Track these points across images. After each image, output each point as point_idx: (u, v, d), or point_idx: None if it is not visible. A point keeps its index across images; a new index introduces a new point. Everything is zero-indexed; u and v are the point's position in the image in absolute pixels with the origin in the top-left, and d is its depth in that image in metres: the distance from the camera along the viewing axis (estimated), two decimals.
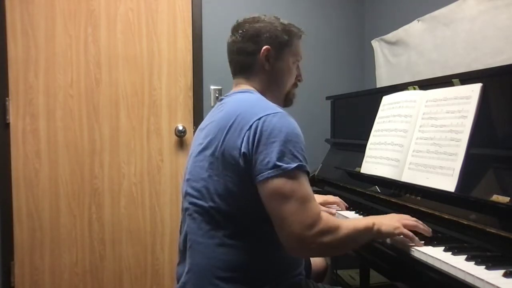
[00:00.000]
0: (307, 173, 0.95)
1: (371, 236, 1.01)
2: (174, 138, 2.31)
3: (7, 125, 2.07)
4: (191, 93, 2.33)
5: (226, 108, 1.05)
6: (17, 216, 2.09)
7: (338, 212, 1.42)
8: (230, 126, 0.97)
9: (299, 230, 0.88)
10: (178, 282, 1.08)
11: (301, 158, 0.93)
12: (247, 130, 0.94)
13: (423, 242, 1.01)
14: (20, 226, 2.10)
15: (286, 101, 1.20)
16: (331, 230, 0.92)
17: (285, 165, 0.90)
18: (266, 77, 1.13)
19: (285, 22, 1.15)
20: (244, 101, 1.05)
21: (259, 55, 1.10)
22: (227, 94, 1.14)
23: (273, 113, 0.96)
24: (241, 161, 0.94)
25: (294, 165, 0.91)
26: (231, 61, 1.17)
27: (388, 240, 1.08)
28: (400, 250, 1.03)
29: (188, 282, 1.01)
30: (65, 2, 2.13)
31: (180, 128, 2.28)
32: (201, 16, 2.32)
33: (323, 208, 1.41)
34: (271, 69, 1.12)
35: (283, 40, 1.12)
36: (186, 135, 2.31)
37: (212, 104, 2.35)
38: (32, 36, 2.09)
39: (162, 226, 2.30)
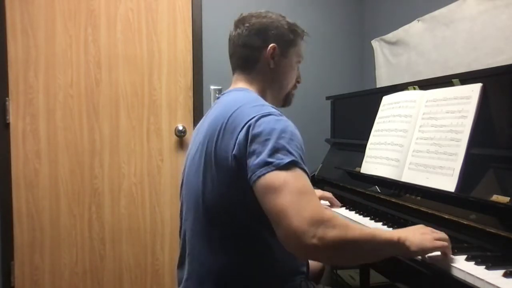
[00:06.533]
0: (305, 171, 0.86)
1: (397, 252, 0.90)
2: (174, 138, 2.31)
3: (7, 125, 2.07)
4: (191, 93, 2.33)
5: (220, 107, 1.00)
6: (17, 216, 2.09)
7: (334, 210, 1.41)
8: (223, 128, 0.93)
9: (297, 223, 0.77)
10: (178, 285, 1.07)
11: (296, 155, 0.85)
12: (239, 132, 0.89)
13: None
14: (20, 226, 2.10)
15: (285, 102, 1.18)
16: (337, 226, 0.79)
17: (277, 161, 0.83)
18: (268, 75, 1.10)
19: (290, 21, 1.13)
20: (239, 101, 0.98)
21: (265, 51, 1.07)
22: (223, 92, 1.11)
23: (267, 113, 0.91)
24: (233, 164, 0.89)
25: (287, 160, 0.83)
26: (233, 54, 1.13)
27: None
28: None
29: None
30: (65, 2, 2.13)
31: (180, 128, 2.28)
32: (201, 16, 2.32)
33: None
34: (275, 67, 1.09)
35: (288, 39, 1.10)
36: (186, 135, 2.31)
37: (212, 105, 2.35)
38: (32, 36, 2.09)
39: (162, 226, 2.30)
